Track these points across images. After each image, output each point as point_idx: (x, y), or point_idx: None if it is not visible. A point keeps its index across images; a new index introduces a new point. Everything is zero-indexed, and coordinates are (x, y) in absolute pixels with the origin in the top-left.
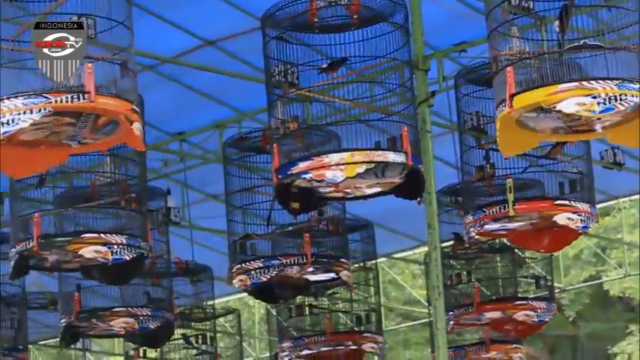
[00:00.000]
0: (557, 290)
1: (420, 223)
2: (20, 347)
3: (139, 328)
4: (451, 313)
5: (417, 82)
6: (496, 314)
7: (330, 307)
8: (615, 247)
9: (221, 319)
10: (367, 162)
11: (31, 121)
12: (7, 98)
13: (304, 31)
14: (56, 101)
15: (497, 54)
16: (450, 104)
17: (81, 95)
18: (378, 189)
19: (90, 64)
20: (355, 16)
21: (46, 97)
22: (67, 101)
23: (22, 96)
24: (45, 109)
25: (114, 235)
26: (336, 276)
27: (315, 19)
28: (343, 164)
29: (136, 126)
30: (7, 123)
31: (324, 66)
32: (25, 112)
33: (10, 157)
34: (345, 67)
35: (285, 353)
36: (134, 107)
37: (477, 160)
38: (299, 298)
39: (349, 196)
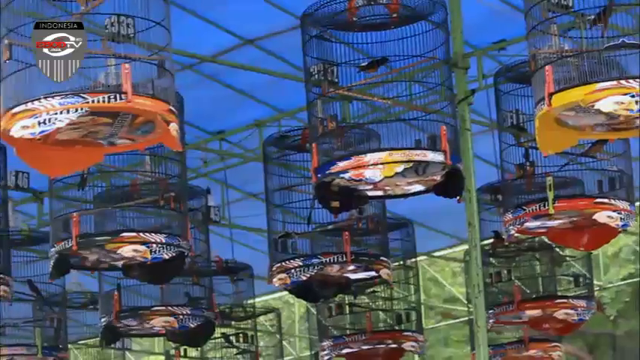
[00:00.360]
0: (597, 288)
1: (460, 221)
2: (61, 347)
3: (179, 327)
4: (491, 311)
5: (457, 80)
6: (536, 312)
7: (370, 306)
8: None
9: (261, 318)
10: (405, 161)
11: (67, 121)
12: (44, 97)
13: (344, 30)
14: (93, 101)
15: (536, 52)
16: (489, 102)
17: (118, 95)
18: (418, 187)
19: (127, 65)
20: (394, 15)
21: (82, 97)
22: (103, 101)
23: (58, 96)
24: (82, 109)
25: (153, 234)
26: (376, 274)
27: (355, 18)
28: (381, 164)
29: (173, 126)
30: (44, 122)
31: (364, 64)
32: (61, 112)
33: (46, 156)
34: (385, 66)
35: (325, 352)
36: (171, 107)
37: (516, 158)
38: (339, 297)
39: (389, 194)
